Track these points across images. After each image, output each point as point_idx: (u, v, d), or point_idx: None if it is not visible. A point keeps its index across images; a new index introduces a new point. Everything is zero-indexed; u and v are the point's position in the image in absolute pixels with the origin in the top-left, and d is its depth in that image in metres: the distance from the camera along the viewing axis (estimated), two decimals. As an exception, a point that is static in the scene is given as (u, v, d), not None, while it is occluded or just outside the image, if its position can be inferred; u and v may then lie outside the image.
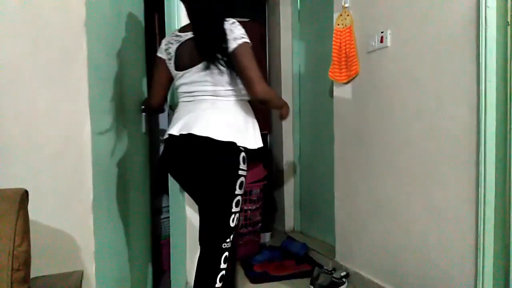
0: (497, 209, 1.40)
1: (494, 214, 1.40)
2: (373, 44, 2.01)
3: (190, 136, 1.47)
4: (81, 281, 1.15)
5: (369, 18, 2.07)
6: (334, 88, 2.42)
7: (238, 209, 1.55)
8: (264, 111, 3.44)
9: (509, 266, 1.38)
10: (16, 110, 1.25)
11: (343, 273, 2.20)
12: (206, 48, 1.49)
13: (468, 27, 1.47)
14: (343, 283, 2.17)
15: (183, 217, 2.06)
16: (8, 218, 0.92)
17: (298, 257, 2.72)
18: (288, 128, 3.29)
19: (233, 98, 1.54)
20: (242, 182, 1.54)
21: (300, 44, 3.23)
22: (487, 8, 1.39)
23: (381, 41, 1.95)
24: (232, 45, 1.46)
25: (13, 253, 0.90)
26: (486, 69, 1.40)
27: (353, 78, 2.20)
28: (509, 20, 1.36)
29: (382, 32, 1.94)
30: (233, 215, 1.54)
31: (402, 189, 1.85)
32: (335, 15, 2.32)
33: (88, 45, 1.35)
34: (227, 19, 1.50)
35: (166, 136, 1.60)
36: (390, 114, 1.92)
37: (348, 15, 2.20)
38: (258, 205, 2.96)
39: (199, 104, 1.53)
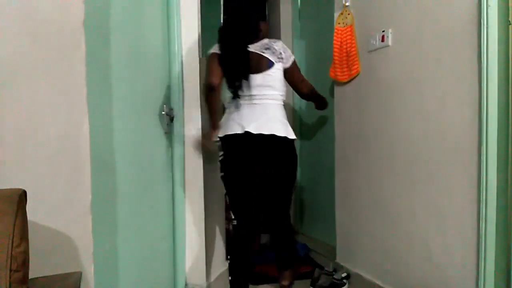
0: (498, 210, 1.39)
1: (496, 215, 1.39)
2: (374, 43, 2.01)
3: (273, 136, 1.89)
4: (79, 282, 1.14)
5: (370, 17, 2.06)
6: (335, 87, 2.41)
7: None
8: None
9: (510, 268, 1.37)
10: (13, 109, 1.25)
11: (343, 274, 2.19)
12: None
13: (470, 26, 1.46)
14: (344, 284, 2.17)
15: (183, 218, 2.05)
16: (6, 218, 0.91)
17: (299, 258, 2.71)
18: (288, 128, 3.28)
19: (282, 102, 2.02)
20: None
21: (301, 43, 3.22)
22: (488, 7, 1.38)
23: (382, 40, 1.94)
24: (289, 61, 2.01)
25: (11, 254, 0.89)
26: (487, 68, 1.39)
27: (354, 77, 2.19)
28: (510, 19, 1.35)
29: (383, 31, 1.93)
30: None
31: (403, 189, 1.84)
32: (336, 14, 2.31)
33: (87, 44, 1.34)
34: (279, 40, 2.08)
35: (237, 132, 1.91)
36: (391, 113, 1.91)
37: (349, 14, 2.20)
38: (258, 205, 2.95)
39: (267, 107, 1.95)
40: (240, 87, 1.93)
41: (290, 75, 2.03)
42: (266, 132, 1.88)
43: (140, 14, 1.89)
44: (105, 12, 1.59)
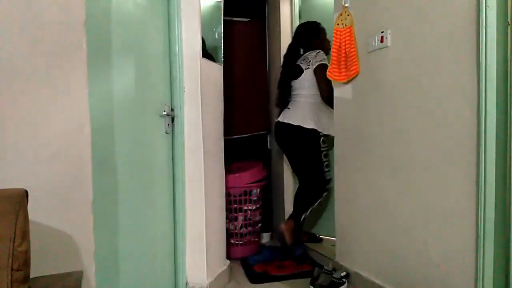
0: (497, 209, 1.40)
1: (495, 214, 1.40)
2: (373, 44, 2.01)
3: (290, 124, 2.63)
4: (81, 281, 1.15)
5: (369, 18, 2.07)
6: (334, 88, 2.42)
7: (328, 169, 2.67)
8: (264, 112, 3.48)
9: (509, 266, 1.38)
10: (15, 110, 1.25)
11: (343, 273, 2.20)
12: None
13: (468, 27, 1.47)
14: (343, 283, 2.17)
15: (183, 218, 2.06)
16: (8, 218, 0.92)
17: (298, 257, 2.72)
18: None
19: (312, 100, 2.67)
20: (325, 153, 2.66)
21: (300, 44, 3.22)
22: (487, 8, 1.38)
23: (381, 41, 1.95)
24: (314, 65, 2.61)
25: (13, 253, 0.90)
26: (486, 69, 1.39)
27: (353, 78, 2.20)
28: (509, 20, 1.36)
29: (382, 32, 1.94)
30: (325, 173, 2.66)
31: (402, 189, 1.85)
32: (335, 15, 2.32)
33: (88, 44, 1.35)
34: (317, 50, 2.67)
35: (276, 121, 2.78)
36: (390, 114, 1.92)
37: (348, 15, 2.20)
38: (258, 205, 2.97)
39: (297, 103, 2.69)
40: (282, 91, 2.77)
41: (315, 76, 2.61)
42: (285, 121, 2.64)
43: (141, 14, 1.89)
44: (106, 13, 1.60)
